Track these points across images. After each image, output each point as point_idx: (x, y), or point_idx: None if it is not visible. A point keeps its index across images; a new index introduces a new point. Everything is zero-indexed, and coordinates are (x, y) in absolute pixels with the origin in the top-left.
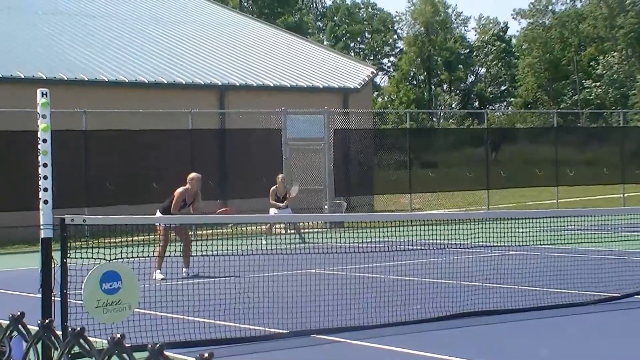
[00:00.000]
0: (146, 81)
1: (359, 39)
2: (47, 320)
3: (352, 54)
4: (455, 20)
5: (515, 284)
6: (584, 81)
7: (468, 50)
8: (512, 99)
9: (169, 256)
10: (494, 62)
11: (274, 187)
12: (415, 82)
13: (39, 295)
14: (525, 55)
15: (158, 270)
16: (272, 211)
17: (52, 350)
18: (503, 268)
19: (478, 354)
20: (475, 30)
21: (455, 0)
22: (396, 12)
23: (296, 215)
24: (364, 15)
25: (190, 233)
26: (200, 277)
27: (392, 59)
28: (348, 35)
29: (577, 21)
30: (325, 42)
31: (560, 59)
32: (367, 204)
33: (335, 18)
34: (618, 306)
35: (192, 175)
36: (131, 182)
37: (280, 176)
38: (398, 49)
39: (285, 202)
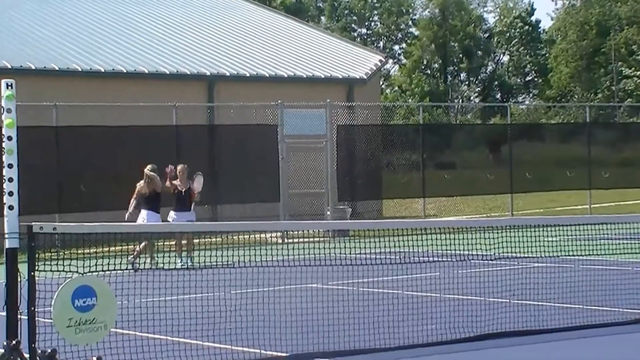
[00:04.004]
0: (125, 71)
1: (367, 23)
2: (13, 342)
3: (358, 40)
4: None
5: (547, 301)
6: (622, 69)
7: (488, 35)
8: (539, 91)
9: (153, 268)
10: (519, 48)
11: (175, 182)
12: (429, 72)
13: (4, 314)
14: (560, 40)
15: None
16: (172, 215)
17: None
18: (532, 282)
19: None
20: (496, 12)
21: None
22: None
23: (294, 223)
24: None
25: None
26: (187, 292)
27: (403, 45)
28: (354, 18)
29: (615, 2)
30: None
31: (597, 44)
32: (374, 210)
33: None
34: None
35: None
36: (108, 185)
37: (180, 167)
38: (411, 36)
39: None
